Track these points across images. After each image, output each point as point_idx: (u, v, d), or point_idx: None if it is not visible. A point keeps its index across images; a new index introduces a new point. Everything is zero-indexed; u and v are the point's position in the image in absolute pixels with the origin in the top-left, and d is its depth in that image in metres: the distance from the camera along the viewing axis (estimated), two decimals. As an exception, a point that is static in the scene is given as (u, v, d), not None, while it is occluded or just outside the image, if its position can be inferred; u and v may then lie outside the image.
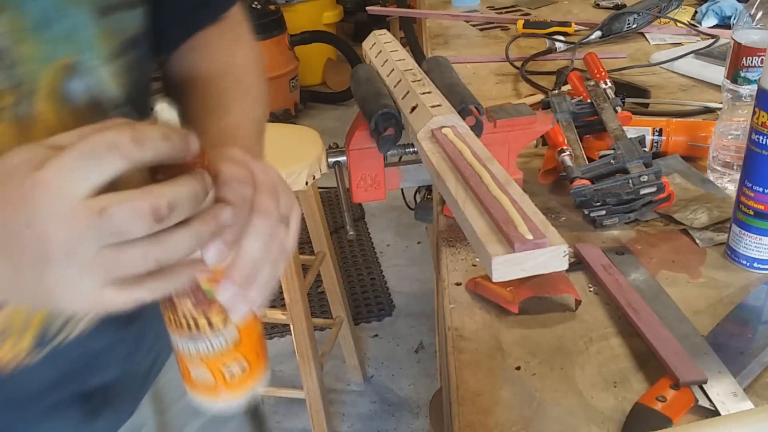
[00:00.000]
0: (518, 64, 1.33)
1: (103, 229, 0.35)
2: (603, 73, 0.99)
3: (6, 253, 0.37)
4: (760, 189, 0.68)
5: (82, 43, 0.49)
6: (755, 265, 0.71)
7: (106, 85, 0.51)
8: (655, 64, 1.28)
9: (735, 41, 0.87)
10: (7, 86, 0.45)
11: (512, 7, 1.75)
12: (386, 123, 0.73)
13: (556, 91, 1.07)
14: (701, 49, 1.29)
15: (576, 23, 1.49)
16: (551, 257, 0.50)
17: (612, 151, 0.82)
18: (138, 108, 0.55)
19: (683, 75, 1.25)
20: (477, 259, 0.76)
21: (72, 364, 0.56)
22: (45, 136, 0.39)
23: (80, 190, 0.35)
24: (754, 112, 0.67)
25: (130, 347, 0.63)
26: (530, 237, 0.49)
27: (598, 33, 1.41)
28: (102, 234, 0.36)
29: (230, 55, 0.65)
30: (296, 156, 1.58)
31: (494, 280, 0.51)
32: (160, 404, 0.69)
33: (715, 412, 0.54)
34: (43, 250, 0.36)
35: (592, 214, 0.80)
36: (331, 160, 0.80)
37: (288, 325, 1.67)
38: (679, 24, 1.46)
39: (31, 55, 0.46)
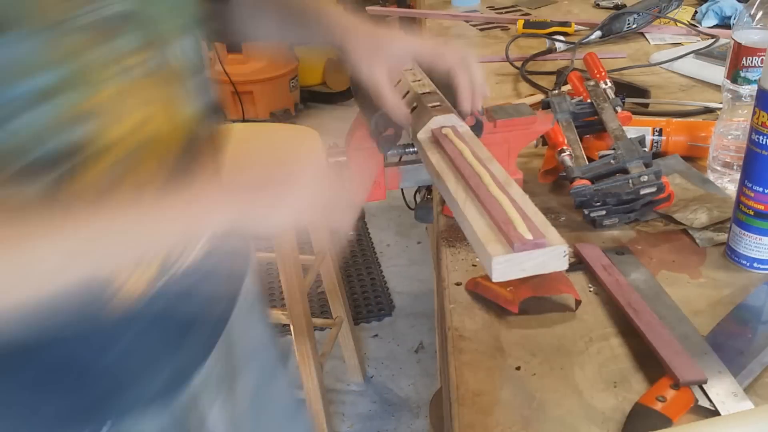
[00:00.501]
0: (518, 64, 1.33)
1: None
2: (603, 73, 0.99)
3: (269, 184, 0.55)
4: (760, 189, 0.68)
5: (186, 7, 0.58)
6: (755, 265, 0.71)
7: (199, 46, 0.60)
8: (655, 64, 1.28)
9: (735, 41, 0.87)
10: (151, 41, 0.53)
11: (512, 7, 1.75)
12: (386, 123, 0.73)
13: (556, 91, 1.07)
14: (701, 49, 1.29)
15: (576, 23, 1.49)
16: (551, 257, 0.50)
17: (612, 151, 0.82)
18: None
19: (683, 75, 1.25)
20: (477, 259, 0.76)
21: (175, 295, 0.62)
22: (173, 85, 0.55)
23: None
24: (754, 112, 0.67)
25: (215, 285, 0.70)
26: (530, 237, 0.49)
27: (598, 33, 1.41)
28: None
29: None
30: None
31: (494, 280, 0.51)
32: (229, 346, 0.75)
33: (715, 412, 0.54)
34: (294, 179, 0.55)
35: (592, 214, 0.80)
36: (331, 160, 0.80)
37: (288, 325, 1.67)
38: (679, 24, 1.46)
39: (163, 16, 0.55)
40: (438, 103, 0.72)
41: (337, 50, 0.73)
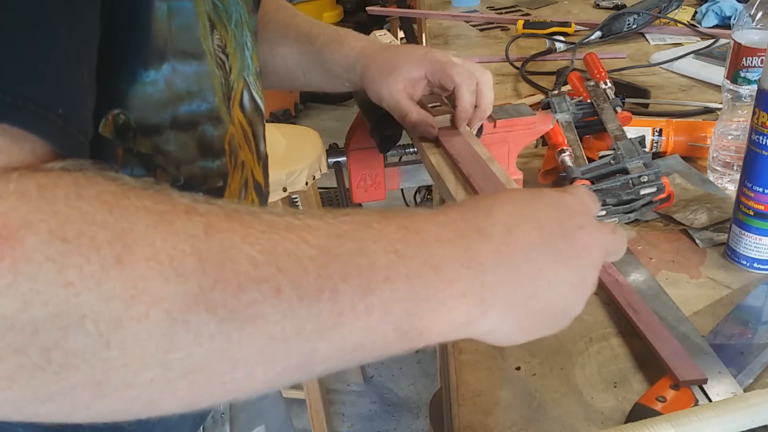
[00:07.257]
0: (518, 64, 1.33)
1: (611, 241, 0.44)
2: (603, 74, 0.99)
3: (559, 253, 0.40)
4: (760, 189, 0.68)
5: (248, 62, 0.58)
6: (755, 265, 0.71)
7: (258, 98, 0.60)
8: (655, 65, 1.28)
9: (735, 41, 0.87)
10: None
11: (512, 7, 1.75)
12: (386, 123, 0.73)
13: (556, 92, 1.07)
14: (701, 49, 1.30)
15: (576, 23, 1.49)
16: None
17: (612, 152, 0.82)
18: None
19: (683, 75, 1.25)
20: (477, 259, 0.76)
21: None
22: (236, 136, 0.54)
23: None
24: (754, 112, 0.67)
25: None
26: None
27: (598, 33, 1.41)
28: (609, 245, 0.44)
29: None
30: (296, 156, 1.58)
31: (494, 280, 0.50)
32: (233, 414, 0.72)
33: (715, 412, 0.54)
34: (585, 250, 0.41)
35: (592, 214, 0.80)
36: (331, 160, 0.80)
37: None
38: (679, 24, 1.46)
39: (235, 68, 0.55)
40: (438, 103, 0.72)
41: (356, 80, 0.72)
